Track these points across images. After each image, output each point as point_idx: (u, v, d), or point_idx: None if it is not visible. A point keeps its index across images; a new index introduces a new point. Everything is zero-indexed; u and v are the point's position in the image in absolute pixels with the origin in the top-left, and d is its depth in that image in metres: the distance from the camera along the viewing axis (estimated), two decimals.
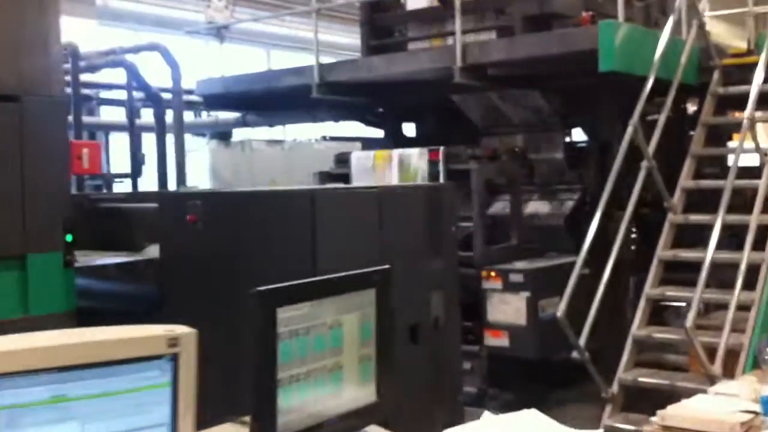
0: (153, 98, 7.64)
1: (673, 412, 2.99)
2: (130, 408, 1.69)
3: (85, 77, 7.74)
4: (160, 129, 7.61)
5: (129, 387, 1.70)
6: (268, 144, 11.18)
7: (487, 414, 2.41)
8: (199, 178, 10.38)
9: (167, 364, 1.74)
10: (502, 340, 6.23)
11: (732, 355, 4.67)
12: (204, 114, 10.35)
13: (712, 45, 6.94)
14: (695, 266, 5.39)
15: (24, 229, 3.56)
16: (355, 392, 2.30)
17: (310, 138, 11.79)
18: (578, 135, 8.89)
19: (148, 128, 8.98)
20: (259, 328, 2.03)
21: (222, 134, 10.42)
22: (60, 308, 3.67)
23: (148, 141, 8.97)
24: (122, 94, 8.78)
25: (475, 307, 6.36)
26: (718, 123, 6.60)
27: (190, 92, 8.53)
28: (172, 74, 7.35)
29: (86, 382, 1.63)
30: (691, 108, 8.49)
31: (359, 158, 7.26)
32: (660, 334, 5.20)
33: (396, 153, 7.00)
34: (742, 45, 7.47)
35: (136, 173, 8.07)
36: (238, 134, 10.89)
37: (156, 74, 8.29)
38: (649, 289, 5.42)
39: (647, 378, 5.06)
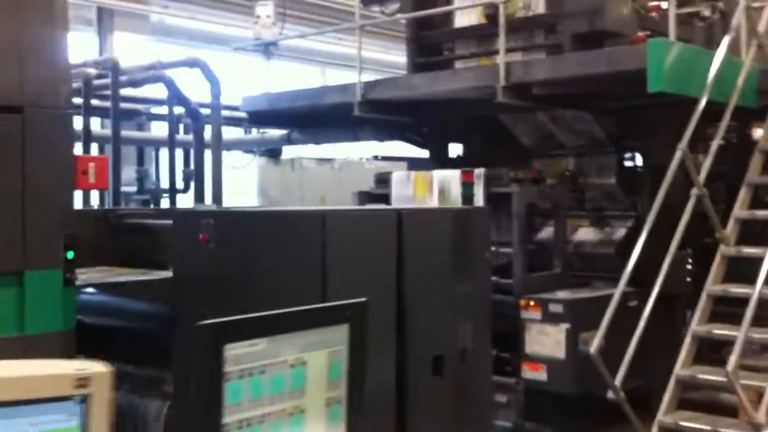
0: (192, 113, 7.59)
1: None
2: None
3: (128, 92, 7.74)
4: (198, 144, 7.55)
5: (31, 431, 1.51)
6: (318, 162, 11.09)
7: None
8: (247, 196, 10.34)
9: (76, 407, 1.55)
10: (539, 374, 5.92)
11: None
12: (254, 131, 10.30)
13: None
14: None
15: (23, 245, 3.45)
16: None
17: (361, 157, 11.66)
18: (637, 159, 8.54)
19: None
20: (201, 367, 1.84)
21: (272, 151, 10.35)
22: (57, 327, 3.54)
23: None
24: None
25: (513, 337, 6.08)
26: None
27: (237, 109, 8.48)
28: (212, 90, 7.29)
29: None
30: (758, 133, 8.08)
31: (399, 179, 7.06)
32: (704, 375, 4.83)
33: (435, 174, 6.76)
34: None
35: (174, 189, 8.02)
36: (288, 152, 10.82)
37: (202, 90, 8.26)
38: (696, 325, 5.06)
39: (689, 422, 4.70)
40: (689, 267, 7.92)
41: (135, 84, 7.73)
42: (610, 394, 4.60)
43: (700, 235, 7.31)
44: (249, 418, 1.91)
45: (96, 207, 7.53)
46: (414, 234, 4.42)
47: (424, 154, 9.13)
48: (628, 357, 4.65)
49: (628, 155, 8.14)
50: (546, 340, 5.86)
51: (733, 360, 4.12)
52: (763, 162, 6.17)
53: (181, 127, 9.13)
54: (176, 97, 7.68)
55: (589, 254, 7.54)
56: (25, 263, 3.46)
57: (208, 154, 7.78)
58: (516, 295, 6.10)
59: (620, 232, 7.60)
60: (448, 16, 7.92)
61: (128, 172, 9.59)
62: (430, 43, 7.95)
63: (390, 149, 11.03)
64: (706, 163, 5.49)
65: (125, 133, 8.30)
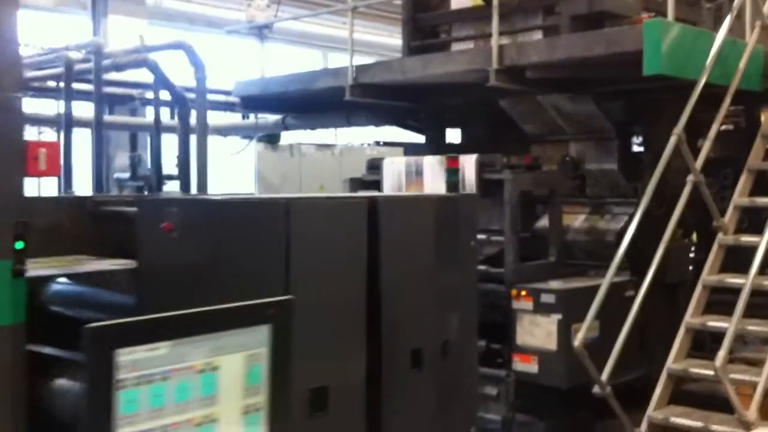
0: (177, 98, 7.41)
1: None
2: None
3: (120, 76, 7.58)
4: (183, 130, 7.37)
5: None
6: (317, 148, 10.90)
7: None
8: (245, 182, 10.18)
9: None
10: (531, 366, 5.73)
11: None
12: (252, 117, 10.11)
13: None
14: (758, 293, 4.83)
15: None
16: None
17: (362, 143, 11.46)
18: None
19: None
20: (89, 373, 1.66)
21: (270, 137, 10.18)
22: (6, 321, 3.37)
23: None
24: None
25: (504, 328, 5.89)
26: None
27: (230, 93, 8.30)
28: (197, 74, 7.11)
29: None
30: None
31: (392, 165, 6.86)
32: (696, 369, 4.62)
33: (428, 159, 6.56)
34: None
35: (159, 175, 7.86)
36: (287, 138, 10.65)
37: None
38: (690, 317, 4.84)
39: (680, 418, 4.49)
40: (692, 255, 7.70)
41: (119, 68, 7.56)
42: (596, 389, 4.39)
43: (707, 222, 7.10)
44: (149, 429, 1.74)
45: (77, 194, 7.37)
46: (392, 222, 4.23)
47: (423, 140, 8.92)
48: (616, 349, 4.45)
49: (631, 141, 7.91)
50: (537, 331, 5.67)
51: (721, 354, 3.92)
52: (766, 147, 5.93)
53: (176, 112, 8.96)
54: (161, 81, 7.50)
55: (589, 242, 7.34)
56: None
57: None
58: (507, 285, 5.90)
59: (622, 219, 7.38)
60: None
61: (124, 158, 9.48)
62: (425, 26, 7.73)
63: (392, 135, 10.83)
64: (705, 149, 5.25)
65: (112, 118, 8.16)
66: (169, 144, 9.06)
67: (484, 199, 6.35)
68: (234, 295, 3.72)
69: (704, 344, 6.19)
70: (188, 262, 3.87)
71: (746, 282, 4.24)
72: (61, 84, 6.87)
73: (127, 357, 1.69)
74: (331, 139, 11.64)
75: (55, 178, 6.81)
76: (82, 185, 7.53)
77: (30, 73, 7.98)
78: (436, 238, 4.53)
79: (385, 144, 11.21)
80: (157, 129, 7.84)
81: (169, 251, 3.95)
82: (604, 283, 4.51)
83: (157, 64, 7.41)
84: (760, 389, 3.96)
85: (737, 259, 5.51)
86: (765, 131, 5.85)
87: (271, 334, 1.97)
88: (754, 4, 6.25)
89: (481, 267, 6.12)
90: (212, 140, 10.40)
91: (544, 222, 7.16)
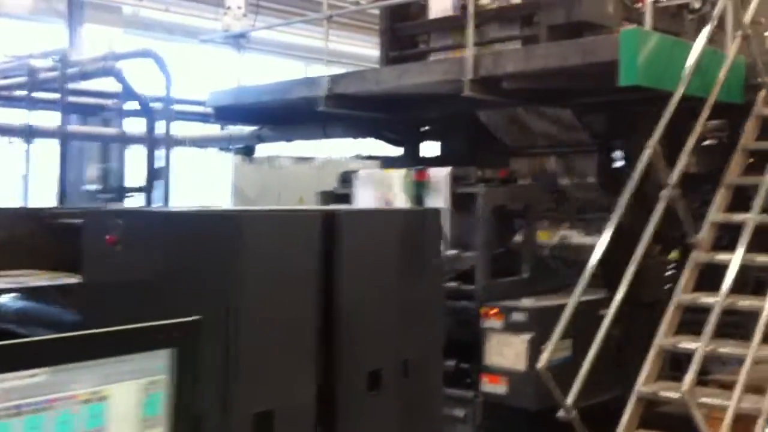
0: (144, 108, 7.24)
1: None
2: None
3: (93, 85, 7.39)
4: (150, 141, 7.19)
5: None
6: (296, 161, 10.73)
7: None
8: (221, 195, 10.00)
9: None
10: (499, 387, 5.54)
11: (749, 421, 3.91)
12: (228, 127, 9.94)
13: (760, 60, 6.14)
14: (736, 313, 4.68)
15: None
16: None
17: (343, 156, 11.29)
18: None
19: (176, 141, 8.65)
20: None
21: (246, 149, 10.00)
22: None
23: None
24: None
25: (473, 347, 5.71)
26: (759, 149, 5.78)
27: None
28: (165, 83, 6.94)
29: None
30: None
31: (365, 177, 6.70)
32: (665, 392, 4.44)
33: (400, 173, 6.40)
34: None
35: (122, 187, 7.66)
36: (266, 150, 10.48)
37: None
38: (662, 338, 4.67)
39: None
40: (673, 273, 7.54)
41: (85, 76, 7.38)
42: (560, 412, 4.21)
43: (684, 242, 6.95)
44: None
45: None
46: (351, 236, 4.06)
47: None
48: (584, 370, 4.28)
49: (612, 155, 7.76)
50: (507, 351, 5.49)
51: (688, 379, 3.74)
52: (746, 161, 5.79)
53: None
54: (127, 90, 7.33)
55: (567, 258, 7.17)
56: None
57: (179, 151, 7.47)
58: (478, 302, 5.72)
59: (603, 235, 7.21)
60: (424, 8, 7.55)
61: (95, 170, 9.28)
62: (403, 36, 7.58)
63: (375, 148, 10.67)
64: (680, 162, 5.09)
65: (78, 128, 7.98)
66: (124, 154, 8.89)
67: (458, 213, 6.19)
68: (179, 313, 3.56)
69: (681, 364, 6.03)
70: (133, 277, 3.69)
71: (717, 302, 4.07)
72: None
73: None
74: (312, 151, 11.47)
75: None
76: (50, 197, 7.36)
77: None
78: (398, 253, 4.36)
79: (367, 157, 11.06)
80: (123, 139, 7.66)
81: (114, 265, 3.77)
82: (571, 302, 4.35)
83: (123, 73, 7.23)
84: (730, 413, 3.79)
85: (718, 277, 5.36)
86: (744, 145, 5.71)
87: (175, 360, 1.78)
88: (735, 13, 6.12)
89: (452, 283, 5.96)
90: (190, 152, 10.24)
91: (522, 237, 7.00)
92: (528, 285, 6.15)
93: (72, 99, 7.77)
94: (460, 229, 6.25)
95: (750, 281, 7.10)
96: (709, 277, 5.36)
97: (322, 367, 3.88)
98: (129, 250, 3.69)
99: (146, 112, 7.31)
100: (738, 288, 5.11)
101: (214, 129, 10.25)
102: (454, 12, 7.19)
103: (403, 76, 6.66)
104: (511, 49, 6.28)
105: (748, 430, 3.93)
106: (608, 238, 4.66)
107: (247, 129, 8.86)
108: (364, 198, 6.59)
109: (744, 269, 5.72)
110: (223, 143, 9.37)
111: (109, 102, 8.78)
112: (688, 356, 5.35)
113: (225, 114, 8.10)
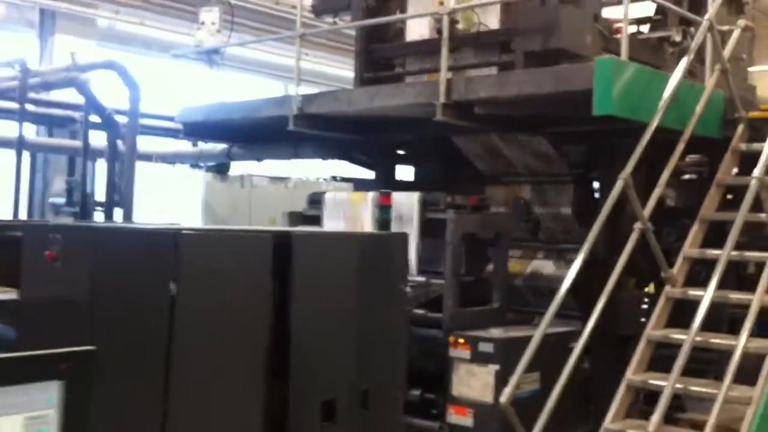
0: (106, 121, 7.03)
1: None
2: None
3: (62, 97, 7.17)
4: (111, 155, 6.98)
5: None
6: (270, 181, 10.54)
7: None
8: (191, 213, 9.78)
9: None
10: (465, 419, 5.35)
11: None
12: (199, 145, 9.74)
13: (737, 95, 6.03)
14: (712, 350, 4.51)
15: None
16: None
17: (318, 177, 11.12)
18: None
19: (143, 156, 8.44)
20: None
21: (219, 167, 9.81)
22: None
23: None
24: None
25: (440, 377, 5.52)
26: (735, 184, 5.65)
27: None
28: (130, 95, 6.74)
29: None
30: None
31: (333, 199, 6.52)
32: (633, 430, 4.26)
33: (370, 195, 6.23)
34: None
35: (85, 200, 7.44)
36: (239, 168, 10.28)
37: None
38: (632, 374, 4.50)
39: None
40: (645, 306, 7.39)
41: (47, 87, 7.18)
42: None
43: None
44: None
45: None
46: (307, 259, 3.88)
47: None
48: (549, 405, 4.08)
49: (588, 185, 7.63)
50: (474, 382, 5.30)
51: (654, 419, 3.57)
52: (722, 196, 5.66)
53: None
54: (91, 102, 7.12)
55: (539, 288, 7.01)
56: None
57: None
58: (445, 331, 5.54)
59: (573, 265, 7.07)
60: (402, 31, 7.42)
61: (61, 183, 9.05)
62: (379, 58, 7.44)
63: (351, 170, 10.50)
64: (654, 195, 4.95)
65: (39, 139, 7.76)
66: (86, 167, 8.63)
67: (427, 240, 6.02)
68: (117, 333, 3.36)
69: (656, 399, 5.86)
70: (71, 294, 3.48)
71: (687, 338, 3.90)
72: None
73: None
74: (288, 171, 11.29)
75: None
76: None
77: None
78: (358, 277, 4.18)
79: (343, 179, 10.88)
80: (86, 152, 7.44)
81: (52, 281, 3.57)
82: (537, 334, 4.17)
83: (87, 85, 7.03)
84: None
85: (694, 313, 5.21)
86: (720, 180, 5.58)
87: (63, 393, 1.58)
88: (714, 47, 6.03)
89: (419, 311, 5.78)
90: (159, 168, 10.02)
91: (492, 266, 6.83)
92: (498, 315, 5.98)
93: (35, 109, 7.59)
94: (430, 256, 6.08)
95: (725, 318, 6.97)
96: (687, 313, 5.22)
97: (273, 396, 3.69)
98: (68, 266, 3.49)
99: (107, 124, 7.10)
100: (713, 325, 4.98)
101: (186, 145, 10.06)
102: (431, 36, 7.07)
103: (375, 97, 6.51)
104: (485, 75, 6.16)
105: None
106: (578, 268, 4.48)
107: (219, 147, 8.68)
108: (333, 221, 6.42)
109: (719, 306, 5.59)
110: (193, 160, 9.17)
111: (76, 114, 8.57)
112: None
113: (194, 130, 7.91)
